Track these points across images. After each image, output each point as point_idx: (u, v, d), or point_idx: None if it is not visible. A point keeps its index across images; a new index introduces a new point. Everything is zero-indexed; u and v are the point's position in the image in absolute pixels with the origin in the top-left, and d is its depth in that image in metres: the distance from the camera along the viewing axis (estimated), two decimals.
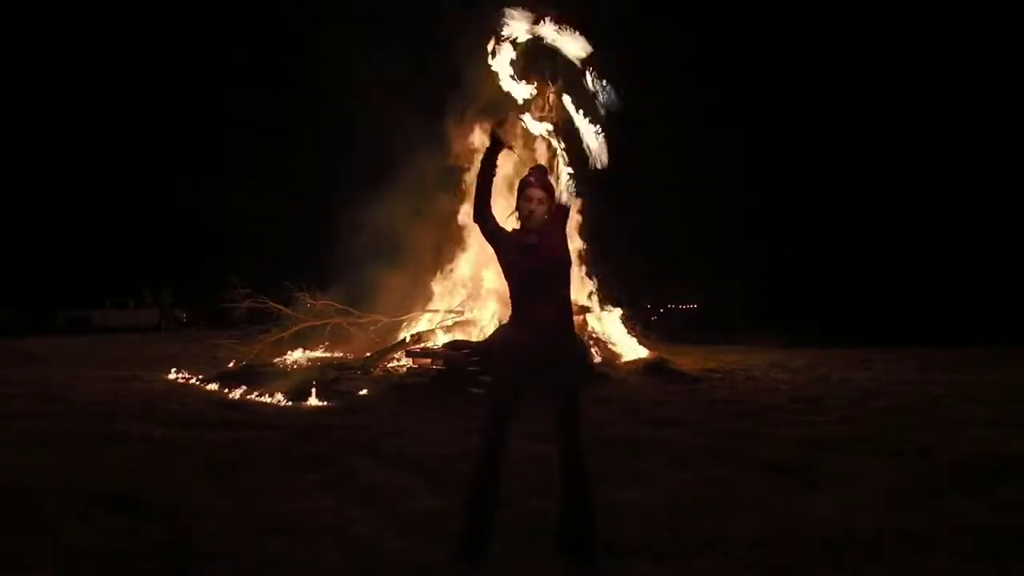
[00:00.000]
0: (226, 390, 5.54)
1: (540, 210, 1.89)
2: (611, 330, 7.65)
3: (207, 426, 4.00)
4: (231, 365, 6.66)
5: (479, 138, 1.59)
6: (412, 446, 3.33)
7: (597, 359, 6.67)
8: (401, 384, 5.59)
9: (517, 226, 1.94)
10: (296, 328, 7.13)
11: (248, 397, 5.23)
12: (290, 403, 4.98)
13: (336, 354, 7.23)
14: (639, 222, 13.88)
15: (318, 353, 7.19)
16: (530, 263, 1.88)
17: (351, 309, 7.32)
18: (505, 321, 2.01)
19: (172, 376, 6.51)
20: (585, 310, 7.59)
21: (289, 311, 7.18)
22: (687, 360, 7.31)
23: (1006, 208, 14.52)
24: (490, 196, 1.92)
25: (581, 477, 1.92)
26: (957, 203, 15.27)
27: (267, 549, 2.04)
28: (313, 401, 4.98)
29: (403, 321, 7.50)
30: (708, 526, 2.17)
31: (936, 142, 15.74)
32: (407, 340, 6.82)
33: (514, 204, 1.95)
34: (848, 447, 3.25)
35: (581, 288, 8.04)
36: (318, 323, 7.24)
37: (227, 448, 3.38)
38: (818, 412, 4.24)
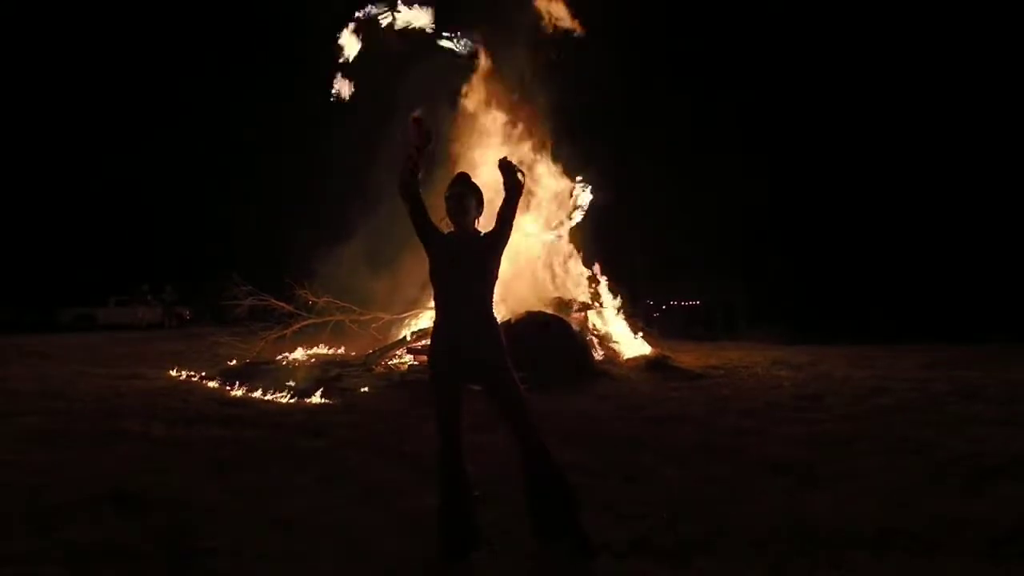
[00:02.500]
0: (228, 388, 5.56)
1: (466, 204, 2.00)
2: (612, 327, 7.64)
3: (209, 423, 4.02)
4: (232, 363, 6.68)
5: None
6: (413, 444, 3.34)
7: (598, 356, 6.66)
8: (403, 381, 5.60)
9: (451, 229, 2.04)
10: (298, 326, 7.15)
11: (250, 395, 5.25)
12: (292, 400, 4.99)
13: (338, 351, 7.25)
14: (641, 219, 13.83)
15: (319, 350, 7.21)
16: (458, 266, 1.95)
17: (353, 306, 7.33)
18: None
19: (174, 373, 6.54)
20: (586, 307, 7.58)
21: (291, 308, 7.19)
22: (689, 357, 7.30)
23: (1011, 203, 14.39)
24: (417, 171, 1.99)
25: (549, 468, 1.92)
26: (961, 198, 15.13)
27: (268, 547, 2.04)
28: (315, 399, 5.00)
29: (405, 318, 7.51)
30: (708, 524, 2.17)
31: (939, 137, 15.59)
32: (408, 337, 6.83)
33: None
34: (850, 445, 3.24)
35: (583, 286, 8.04)
36: (320, 321, 7.26)
37: (229, 446, 3.39)
38: (820, 410, 4.23)
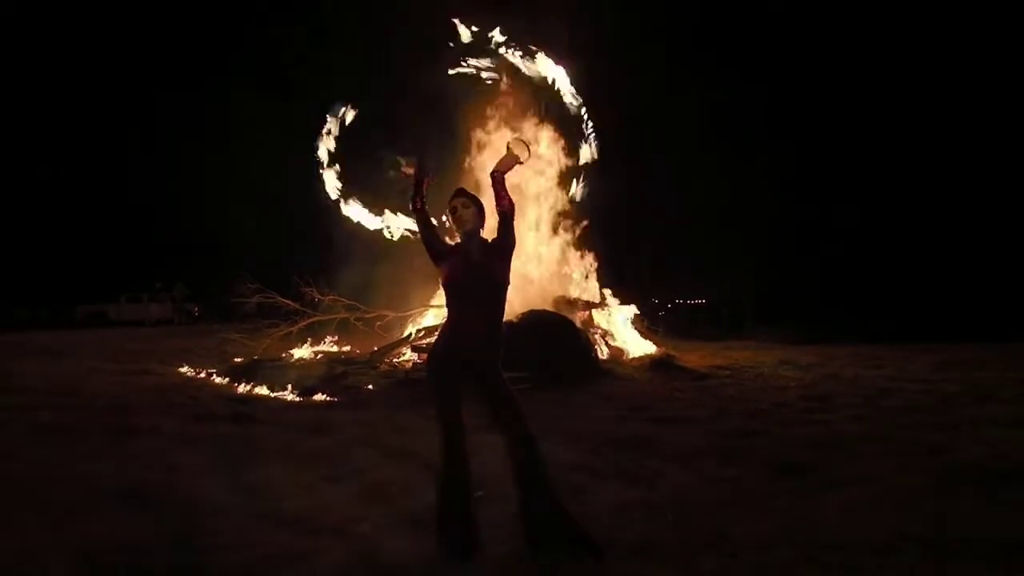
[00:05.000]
0: (236, 384, 5.62)
1: (466, 213, 2.03)
2: (617, 326, 7.60)
3: (217, 420, 4.06)
4: (239, 360, 6.76)
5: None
6: (417, 442, 3.34)
7: (603, 355, 6.63)
8: (407, 379, 5.62)
9: (456, 241, 2.08)
10: (304, 323, 7.21)
11: (257, 391, 5.30)
12: (298, 398, 5.03)
13: (343, 349, 7.30)
14: (647, 217, 13.73)
15: (325, 347, 7.26)
16: (468, 274, 1.97)
17: (358, 304, 7.37)
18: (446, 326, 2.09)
19: (184, 370, 6.61)
20: (590, 306, 7.54)
21: (297, 306, 7.25)
22: (694, 357, 7.24)
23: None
24: (422, 196, 2.08)
25: (537, 471, 1.93)
26: (974, 193, 14.82)
27: (273, 545, 2.06)
28: (320, 396, 5.03)
29: (409, 316, 7.53)
30: (714, 527, 2.14)
31: (949, 134, 15.26)
32: (413, 335, 6.85)
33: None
34: (859, 447, 3.19)
35: (587, 285, 8.00)
36: (326, 318, 7.31)
37: (236, 442, 3.43)
38: (828, 411, 4.18)
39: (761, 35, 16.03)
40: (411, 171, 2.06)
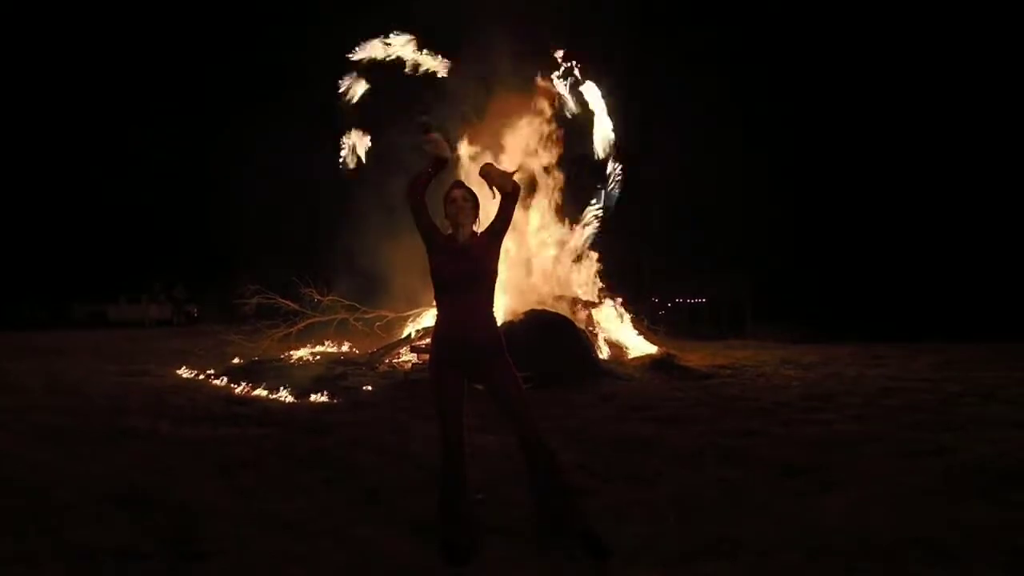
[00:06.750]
0: (234, 386, 5.60)
1: (466, 206, 2.02)
2: (617, 325, 7.58)
3: (215, 422, 4.04)
4: (238, 361, 6.74)
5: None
6: (416, 444, 3.32)
7: (603, 355, 6.61)
8: (406, 380, 5.60)
9: (450, 231, 2.06)
10: (304, 324, 7.19)
11: (255, 393, 5.28)
12: (296, 399, 5.01)
13: (342, 349, 7.28)
14: (646, 215, 13.72)
15: (324, 348, 7.24)
16: (457, 266, 1.97)
17: (357, 305, 7.36)
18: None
19: (182, 372, 6.59)
20: (590, 305, 7.52)
21: (296, 307, 7.24)
22: (695, 356, 7.22)
23: None
24: (427, 184, 2.04)
25: (549, 462, 1.93)
26: (974, 192, 14.79)
27: (270, 548, 2.04)
28: (318, 397, 5.01)
29: (409, 316, 7.52)
30: (714, 529, 2.12)
31: (949, 133, 15.24)
32: (412, 336, 6.83)
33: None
34: (861, 447, 3.17)
35: (588, 284, 7.98)
36: (325, 319, 7.30)
37: (234, 445, 3.41)
38: (830, 410, 4.15)
39: (761, 35, 16.02)
40: (439, 149, 2.02)
